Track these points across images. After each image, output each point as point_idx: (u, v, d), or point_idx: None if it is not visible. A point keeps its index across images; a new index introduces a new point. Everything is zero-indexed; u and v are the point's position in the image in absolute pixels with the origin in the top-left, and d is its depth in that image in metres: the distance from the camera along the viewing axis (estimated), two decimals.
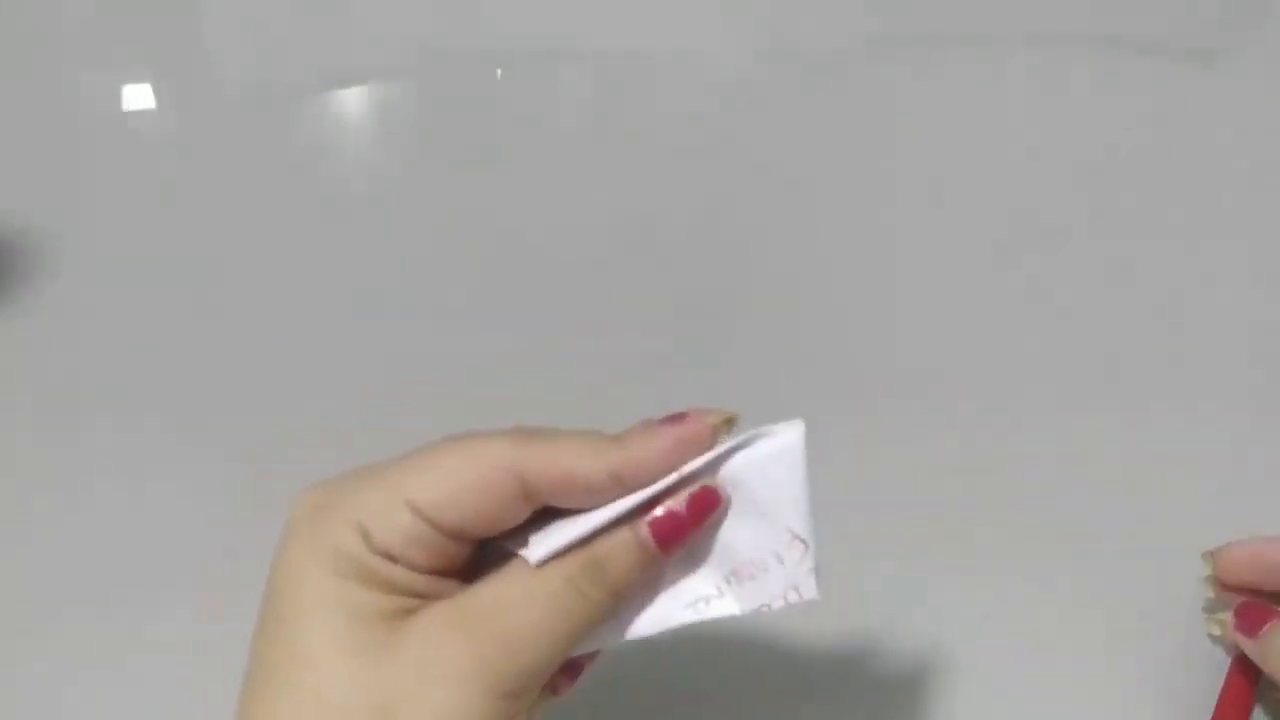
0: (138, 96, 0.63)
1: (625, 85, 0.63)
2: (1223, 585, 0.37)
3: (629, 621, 0.27)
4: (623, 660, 0.31)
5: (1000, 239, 0.53)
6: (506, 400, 0.46)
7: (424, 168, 0.58)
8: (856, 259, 0.53)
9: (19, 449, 0.44)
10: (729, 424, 0.27)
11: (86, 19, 0.66)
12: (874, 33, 0.66)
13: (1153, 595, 0.40)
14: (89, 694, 0.37)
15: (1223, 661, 0.37)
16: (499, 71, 0.63)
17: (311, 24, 0.66)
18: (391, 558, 0.25)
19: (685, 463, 0.26)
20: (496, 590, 0.26)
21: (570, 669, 0.28)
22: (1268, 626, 0.35)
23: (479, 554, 0.27)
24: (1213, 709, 0.36)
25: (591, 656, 0.28)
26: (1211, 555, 0.37)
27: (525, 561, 0.25)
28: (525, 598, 0.25)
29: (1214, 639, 0.38)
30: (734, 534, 0.26)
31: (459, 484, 0.25)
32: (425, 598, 0.26)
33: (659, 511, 0.26)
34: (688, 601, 0.27)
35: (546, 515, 0.26)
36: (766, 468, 0.26)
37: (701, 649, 0.38)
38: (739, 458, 0.26)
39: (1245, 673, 0.36)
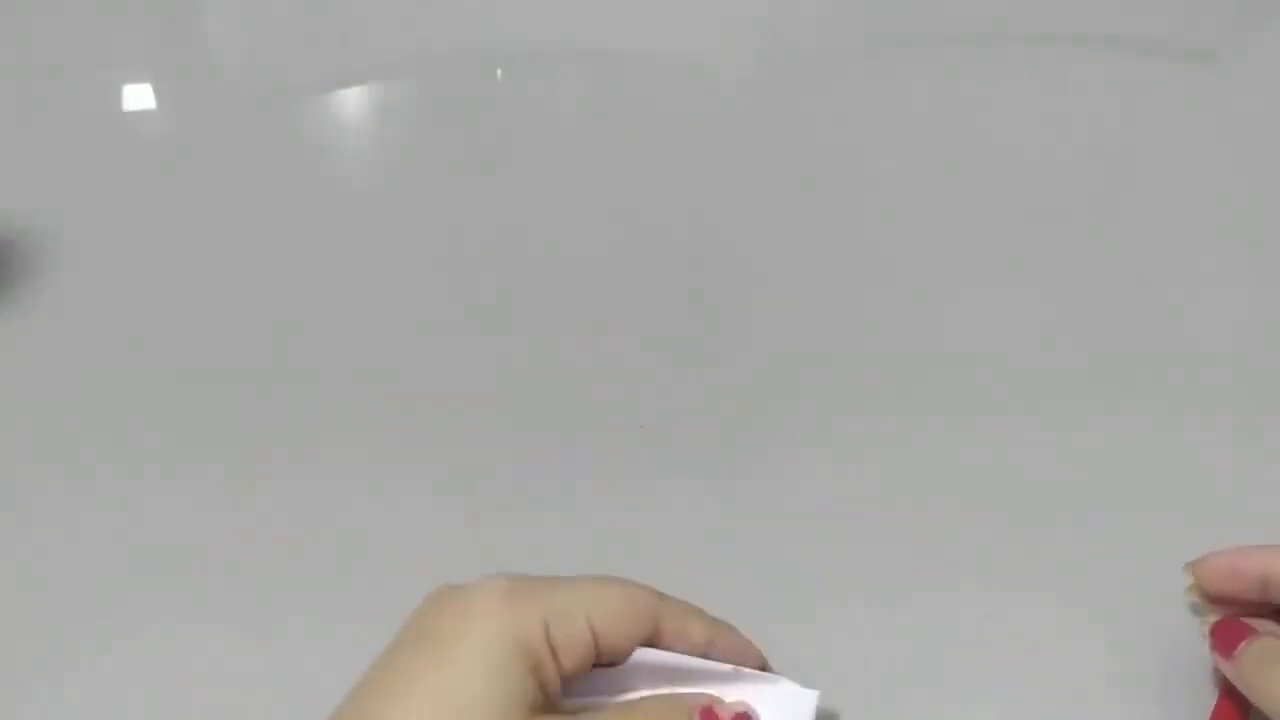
0: (138, 96, 0.63)
1: (625, 85, 0.63)
2: (1205, 597, 0.37)
3: None
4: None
5: (1000, 239, 0.53)
6: (507, 400, 0.46)
7: (424, 168, 0.58)
8: (856, 259, 0.53)
9: (19, 449, 0.44)
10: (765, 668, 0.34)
11: (86, 19, 0.66)
12: (874, 33, 0.66)
13: (1153, 596, 0.40)
14: (88, 694, 0.37)
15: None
16: (499, 71, 0.63)
17: (311, 24, 0.66)
18: (556, 657, 0.29)
19: (745, 664, 0.33)
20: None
21: None
22: (1242, 645, 0.34)
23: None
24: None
25: None
26: (1192, 566, 0.37)
27: (611, 709, 0.31)
28: None
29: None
30: None
31: (621, 612, 0.31)
32: (550, 706, 0.30)
33: (716, 710, 0.32)
34: None
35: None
36: (794, 710, 0.33)
37: None
38: (769, 694, 0.33)
39: (1233, 694, 0.35)
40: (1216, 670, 0.35)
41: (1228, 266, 0.52)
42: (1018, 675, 0.38)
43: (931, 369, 0.47)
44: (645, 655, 0.32)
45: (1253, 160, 0.57)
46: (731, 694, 0.33)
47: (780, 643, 0.35)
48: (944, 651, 0.38)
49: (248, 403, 0.46)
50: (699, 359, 0.48)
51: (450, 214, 0.55)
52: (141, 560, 0.40)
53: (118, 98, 0.62)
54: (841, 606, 0.39)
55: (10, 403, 0.46)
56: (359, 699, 0.29)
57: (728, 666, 0.33)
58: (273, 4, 0.68)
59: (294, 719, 0.32)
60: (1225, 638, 0.34)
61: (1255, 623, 0.35)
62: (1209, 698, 0.36)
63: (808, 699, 0.33)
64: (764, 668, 0.34)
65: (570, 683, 0.30)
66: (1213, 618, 0.36)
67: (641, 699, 0.32)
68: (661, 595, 0.32)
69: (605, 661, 0.31)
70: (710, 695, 0.32)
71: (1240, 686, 0.33)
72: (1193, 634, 0.38)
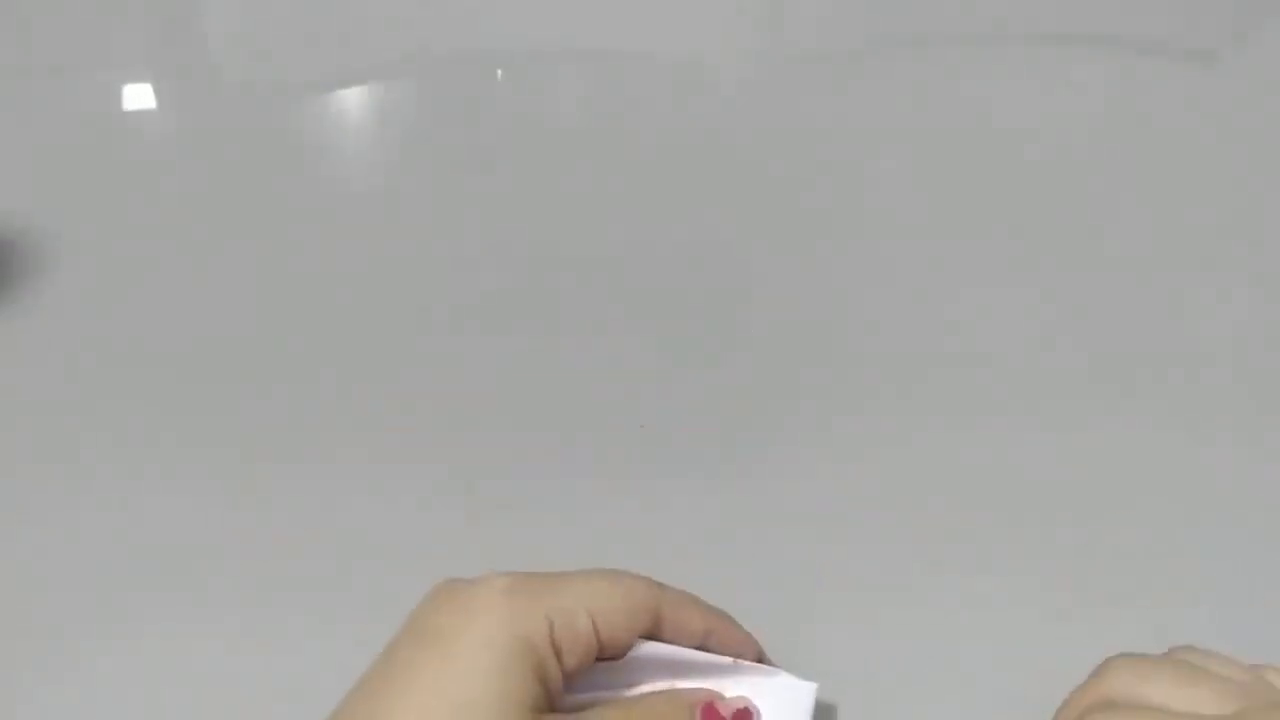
0: (138, 96, 0.63)
1: (625, 85, 0.63)
2: None
3: None
4: None
5: (1000, 239, 0.54)
6: (507, 400, 0.46)
7: (424, 168, 0.58)
8: (856, 259, 0.53)
9: (18, 448, 0.44)
10: (763, 660, 0.34)
11: (86, 19, 0.66)
12: (874, 33, 0.66)
13: (1153, 596, 0.40)
14: (88, 694, 0.37)
15: None
16: (499, 71, 0.63)
17: (311, 24, 0.66)
18: (559, 655, 0.29)
19: (743, 656, 0.33)
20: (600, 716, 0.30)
21: None
22: None
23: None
24: None
25: None
26: None
27: (613, 707, 0.31)
28: None
29: None
30: None
31: (623, 606, 0.31)
32: (551, 705, 0.29)
33: (716, 707, 0.32)
34: None
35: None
36: (793, 703, 0.33)
37: None
38: (768, 688, 0.33)
39: None
40: None
41: (1228, 266, 0.52)
42: (1017, 675, 0.38)
43: (931, 369, 0.47)
44: (645, 649, 0.32)
45: (1253, 160, 0.58)
46: (731, 687, 0.33)
47: (780, 642, 0.35)
48: (943, 651, 0.38)
49: (248, 403, 0.46)
50: (699, 359, 0.48)
51: (450, 214, 0.55)
52: (141, 560, 0.40)
53: (118, 98, 0.62)
54: (841, 606, 0.39)
55: (10, 403, 0.46)
56: (361, 696, 0.29)
57: (727, 659, 0.33)
58: (273, 4, 0.68)
59: (294, 719, 0.32)
60: None
61: None
62: None
63: (806, 691, 0.33)
64: (761, 658, 0.34)
65: (572, 679, 0.30)
66: None
67: (642, 696, 0.32)
68: (660, 585, 0.32)
69: (607, 655, 0.31)
70: (711, 690, 0.32)
71: None
72: (1192, 633, 0.38)
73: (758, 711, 0.32)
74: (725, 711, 0.32)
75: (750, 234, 0.54)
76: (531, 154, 0.58)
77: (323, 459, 0.44)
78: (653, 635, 0.32)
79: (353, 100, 0.62)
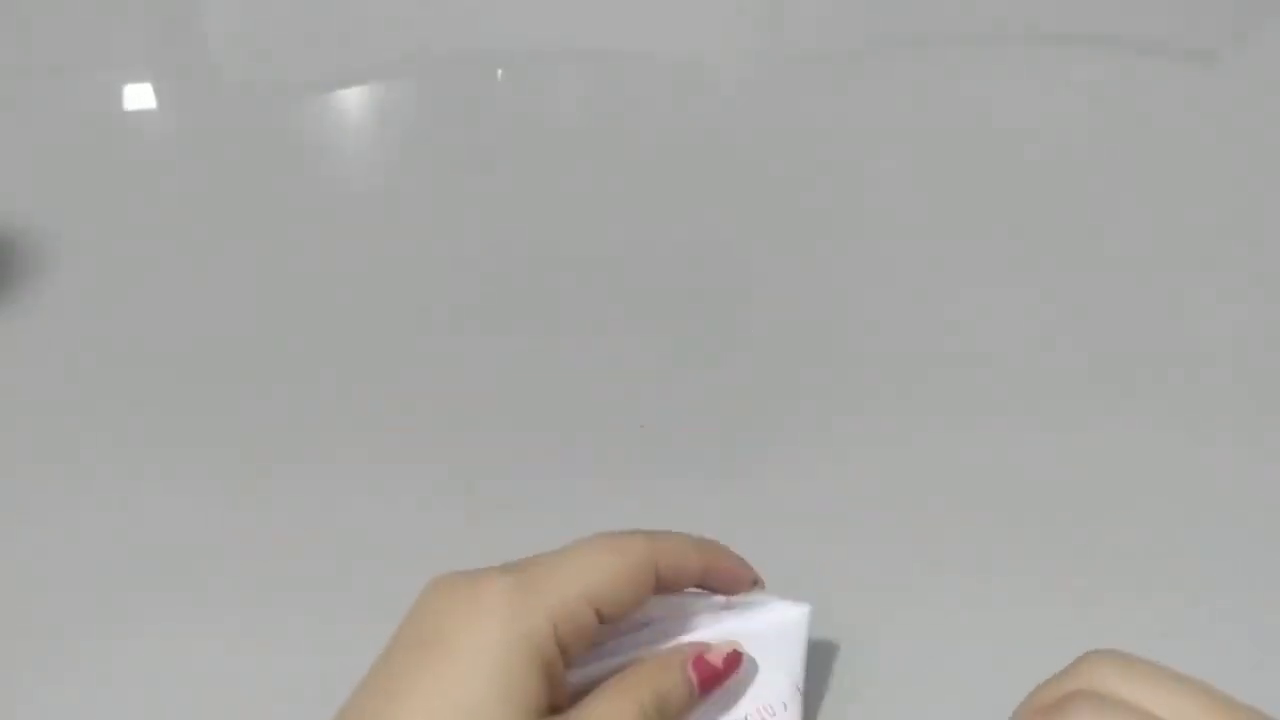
0: (138, 96, 0.63)
1: (625, 85, 0.63)
2: None
3: None
4: None
5: (1000, 239, 0.54)
6: (507, 400, 0.46)
7: (424, 168, 0.58)
8: (856, 259, 0.53)
9: (18, 448, 0.44)
10: (758, 584, 0.35)
11: (86, 19, 0.66)
12: (874, 33, 0.66)
13: (1153, 596, 0.40)
14: (88, 694, 0.37)
15: (1223, 665, 0.37)
16: (499, 71, 0.63)
17: (311, 24, 0.66)
18: (563, 650, 0.29)
19: (740, 584, 0.34)
20: (596, 710, 0.30)
21: None
22: None
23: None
24: None
25: None
26: None
27: (609, 691, 0.31)
28: (614, 717, 0.30)
29: None
30: (752, 683, 0.33)
31: (622, 581, 0.30)
32: (556, 709, 0.29)
33: (706, 658, 0.32)
34: None
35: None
36: (784, 632, 0.34)
37: None
38: (761, 621, 0.34)
39: None
40: None
41: (1228, 266, 0.52)
42: (1017, 675, 0.38)
43: (931, 369, 0.47)
44: (653, 607, 0.32)
45: (1253, 160, 0.58)
46: (723, 628, 0.33)
47: None
48: (943, 651, 0.38)
49: (248, 403, 0.46)
50: (699, 359, 0.48)
51: (450, 214, 0.55)
52: (141, 560, 0.40)
53: (118, 98, 0.62)
54: (841, 606, 0.39)
55: (10, 403, 0.46)
56: (364, 699, 0.29)
57: (719, 598, 0.33)
58: (273, 4, 0.68)
59: (294, 719, 0.32)
60: None
61: None
62: None
63: (799, 614, 0.34)
64: (757, 582, 0.34)
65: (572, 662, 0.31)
66: None
67: (635, 668, 0.32)
68: (652, 537, 0.32)
69: (614, 622, 0.31)
70: (699, 644, 0.32)
71: None
72: (1192, 633, 0.38)
73: (746, 652, 0.33)
74: (715, 660, 0.32)
75: (750, 234, 0.54)
76: (531, 154, 0.58)
77: (323, 459, 0.44)
78: (657, 588, 0.32)
79: (353, 100, 0.62)
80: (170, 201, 0.55)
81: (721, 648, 0.32)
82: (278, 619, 0.39)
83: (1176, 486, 0.43)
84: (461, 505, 0.42)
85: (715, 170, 0.57)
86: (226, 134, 0.59)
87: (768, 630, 0.33)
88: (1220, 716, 0.28)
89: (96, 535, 0.41)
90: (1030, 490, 0.43)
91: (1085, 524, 0.42)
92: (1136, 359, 0.48)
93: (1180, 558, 0.40)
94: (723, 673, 0.32)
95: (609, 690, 0.31)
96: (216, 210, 0.55)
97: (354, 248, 0.53)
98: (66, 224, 0.53)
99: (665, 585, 0.32)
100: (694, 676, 0.32)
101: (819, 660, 0.37)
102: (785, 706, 0.34)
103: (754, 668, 0.33)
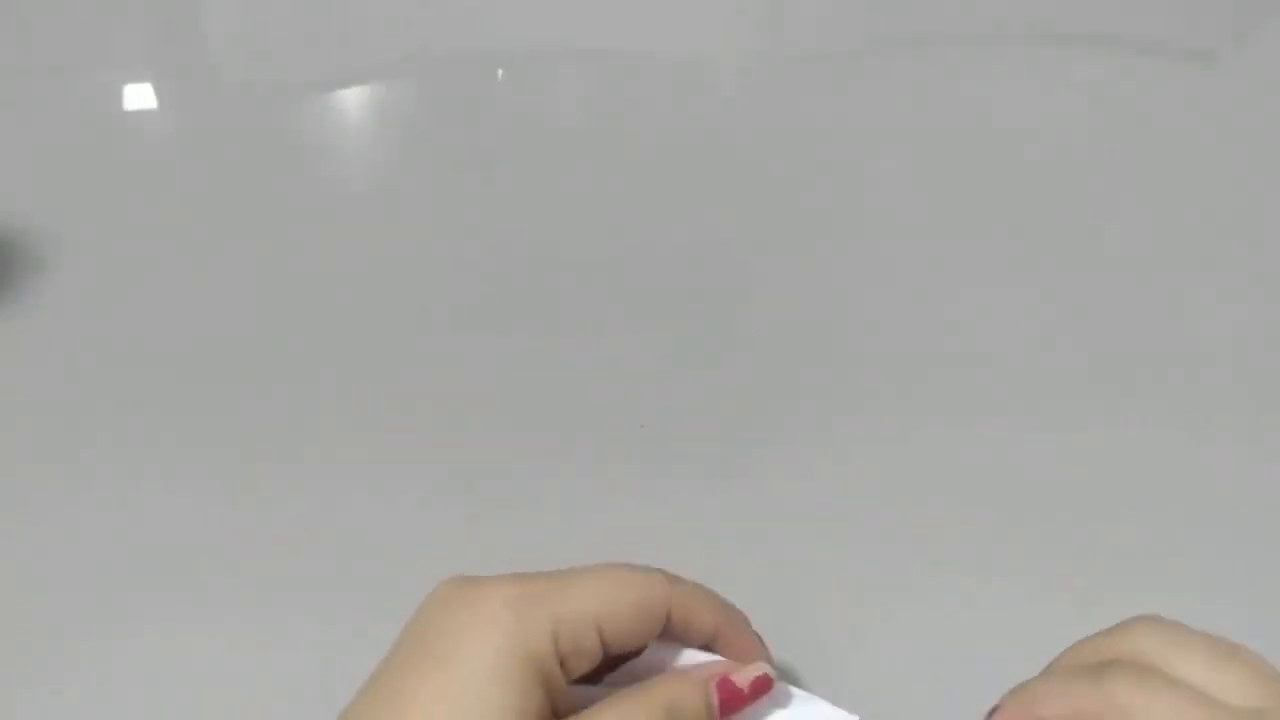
0: (138, 96, 0.63)
1: (625, 85, 0.63)
2: None
3: None
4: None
5: (999, 239, 0.53)
6: (507, 400, 0.46)
7: (424, 168, 0.58)
8: (856, 259, 0.53)
9: (18, 449, 0.44)
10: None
11: (86, 19, 0.66)
12: (874, 33, 0.66)
13: (1153, 595, 0.40)
14: (88, 694, 0.37)
15: None
16: (499, 71, 0.63)
17: (311, 24, 0.66)
18: (564, 665, 0.29)
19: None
20: (603, 717, 0.29)
21: None
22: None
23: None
24: None
25: None
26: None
27: (620, 697, 0.30)
28: None
29: None
30: None
31: (632, 612, 0.30)
32: (556, 715, 0.29)
33: (732, 678, 0.31)
34: None
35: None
36: None
37: None
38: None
39: None
40: None
41: (1228, 266, 0.52)
42: (1017, 675, 0.38)
43: (931, 369, 0.47)
44: (657, 650, 0.31)
45: (1253, 160, 0.58)
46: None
47: (780, 642, 0.35)
48: (943, 651, 0.38)
49: (248, 403, 0.46)
50: (699, 359, 0.48)
51: (450, 214, 0.55)
52: (141, 560, 0.40)
53: (118, 98, 0.62)
54: (841, 606, 0.39)
55: (10, 403, 0.46)
56: (364, 705, 0.28)
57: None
58: (273, 4, 0.68)
59: (294, 719, 0.32)
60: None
61: None
62: None
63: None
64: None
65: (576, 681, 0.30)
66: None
67: (655, 678, 0.31)
68: (673, 580, 0.31)
69: (615, 655, 0.31)
70: (726, 662, 0.31)
71: None
72: None
73: (775, 677, 0.31)
74: (742, 682, 0.31)
75: (750, 234, 0.54)
76: (531, 154, 0.58)
77: (323, 459, 0.44)
78: (665, 632, 0.31)
79: (353, 100, 0.62)
80: (170, 201, 0.55)
81: (750, 669, 0.31)
82: (278, 619, 0.39)
83: (1176, 486, 0.43)
84: (461, 505, 0.42)
85: (715, 170, 0.57)
86: (226, 134, 0.59)
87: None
88: (1258, 693, 0.27)
89: (96, 535, 0.41)
90: (1030, 490, 0.43)
91: (1085, 524, 0.42)
92: (1136, 359, 0.48)
93: (1180, 558, 0.40)
94: (747, 697, 0.31)
95: (620, 697, 0.30)
96: (216, 210, 0.55)
97: (354, 248, 0.53)
98: (66, 224, 0.53)
99: (673, 633, 0.31)
100: (715, 696, 0.30)
101: (819, 660, 0.37)
102: None
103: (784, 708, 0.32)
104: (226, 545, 0.41)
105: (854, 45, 0.65)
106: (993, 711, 0.31)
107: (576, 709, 0.29)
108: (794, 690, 0.32)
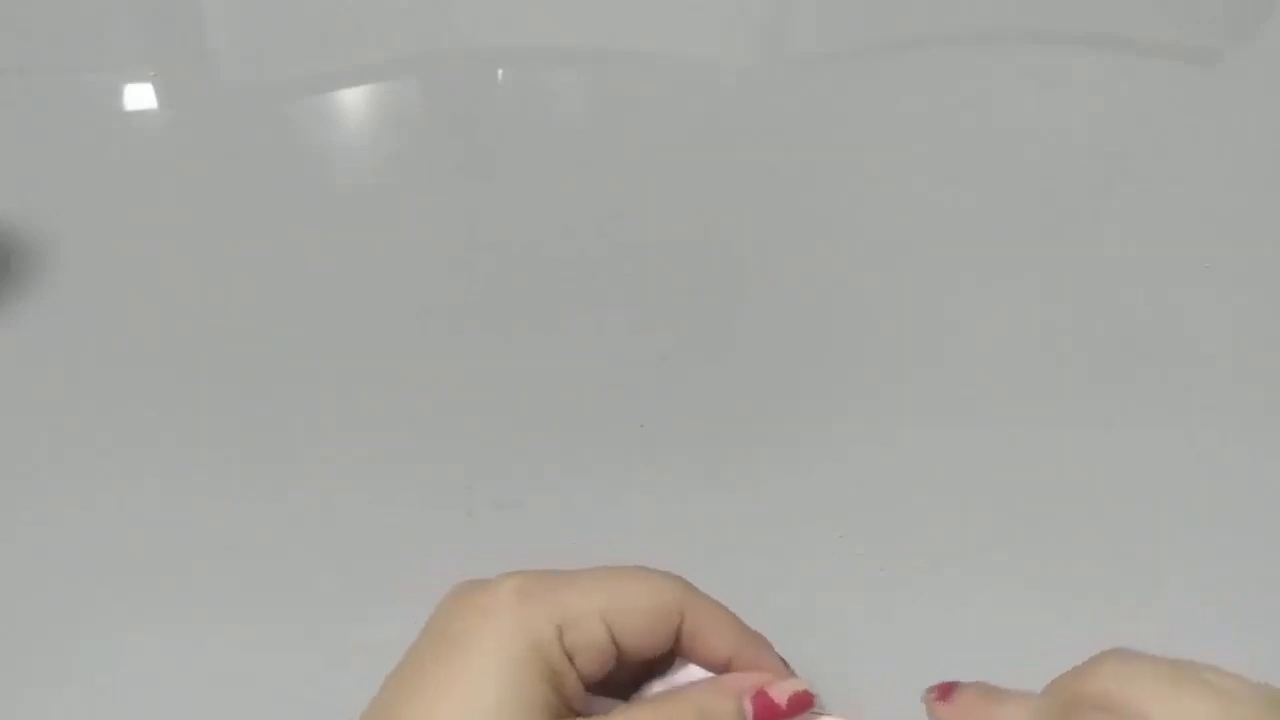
0: (138, 96, 0.63)
1: (625, 85, 0.63)
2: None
3: None
4: None
5: (1000, 239, 0.53)
6: (507, 400, 0.46)
7: (424, 168, 0.58)
8: (856, 258, 0.53)
9: (19, 449, 0.44)
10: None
11: (86, 19, 0.66)
12: (874, 33, 0.66)
13: (1153, 595, 0.40)
14: (88, 694, 0.37)
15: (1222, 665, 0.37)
16: (499, 71, 0.63)
17: (311, 24, 0.66)
18: (571, 661, 0.28)
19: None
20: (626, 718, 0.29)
21: None
22: (957, 691, 0.30)
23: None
24: None
25: None
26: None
27: (648, 703, 0.29)
28: None
29: None
30: None
31: (642, 610, 0.29)
32: (569, 711, 0.28)
33: (770, 692, 0.29)
34: None
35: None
36: None
37: None
38: None
39: None
40: None
41: (1228, 266, 0.52)
42: (1017, 675, 0.38)
43: (931, 368, 0.47)
44: (685, 671, 0.30)
45: (1253, 160, 0.58)
46: None
47: (780, 643, 0.35)
48: (943, 651, 0.38)
49: (247, 402, 0.46)
50: (698, 359, 0.48)
51: (450, 214, 0.55)
52: (141, 560, 0.40)
53: (118, 98, 0.62)
54: (842, 606, 0.39)
55: (10, 403, 0.46)
56: (383, 700, 0.28)
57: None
58: (273, 4, 0.68)
59: (294, 719, 0.32)
60: (942, 690, 0.31)
61: None
62: None
63: None
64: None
65: (593, 683, 0.29)
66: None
67: (688, 686, 0.30)
68: (690, 591, 0.30)
69: (632, 659, 0.30)
70: (764, 675, 0.30)
71: None
72: (1191, 631, 0.38)
73: (817, 693, 0.30)
74: (779, 698, 0.29)
75: (750, 233, 0.54)
76: (531, 154, 0.58)
77: (322, 459, 0.44)
78: (674, 644, 0.30)
79: (353, 100, 0.62)
80: (170, 201, 0.55)
81: (790, 684, 0.30)
82: (278, 619, 0.39)
83: (1176, 486, 0.43)
84: (461, 505, 0.42)
85: (715, 170, 0.57)
86: (226, 134, 0.59)
87: None
88: (1227, 715, 0.27)
89: (97, 535, 0.41)
90: (1029, 489, 0.43)
91: (1085, 524, 0.42)
92: (1136, 359, 0.48)
93: (1180, 558, 0.40)
94: (785, 712, 0.29)
95: (649, 702, 0.29)
96: (216, 210, 0.55)
97: (354, 248, 0.53)
98: (66, 224, 0.53)
99: (686, 647, 0.30)
100: (750, 709, 0.29)
101: (818, 660, 0.37)
102: None
103: None
104: (226, 545, 0.41)
105: (854, 45, 0.65)
106: (952, 687, 0.31)
107: (599, 709, 0.29)
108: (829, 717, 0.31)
